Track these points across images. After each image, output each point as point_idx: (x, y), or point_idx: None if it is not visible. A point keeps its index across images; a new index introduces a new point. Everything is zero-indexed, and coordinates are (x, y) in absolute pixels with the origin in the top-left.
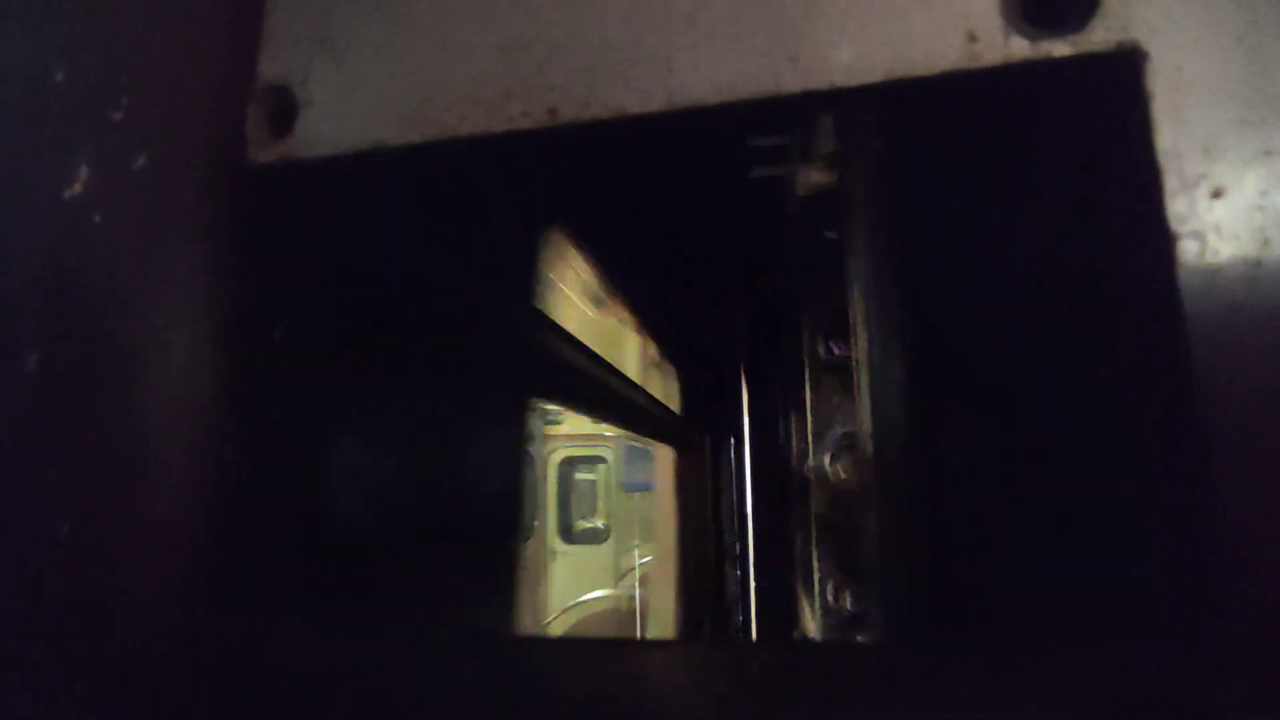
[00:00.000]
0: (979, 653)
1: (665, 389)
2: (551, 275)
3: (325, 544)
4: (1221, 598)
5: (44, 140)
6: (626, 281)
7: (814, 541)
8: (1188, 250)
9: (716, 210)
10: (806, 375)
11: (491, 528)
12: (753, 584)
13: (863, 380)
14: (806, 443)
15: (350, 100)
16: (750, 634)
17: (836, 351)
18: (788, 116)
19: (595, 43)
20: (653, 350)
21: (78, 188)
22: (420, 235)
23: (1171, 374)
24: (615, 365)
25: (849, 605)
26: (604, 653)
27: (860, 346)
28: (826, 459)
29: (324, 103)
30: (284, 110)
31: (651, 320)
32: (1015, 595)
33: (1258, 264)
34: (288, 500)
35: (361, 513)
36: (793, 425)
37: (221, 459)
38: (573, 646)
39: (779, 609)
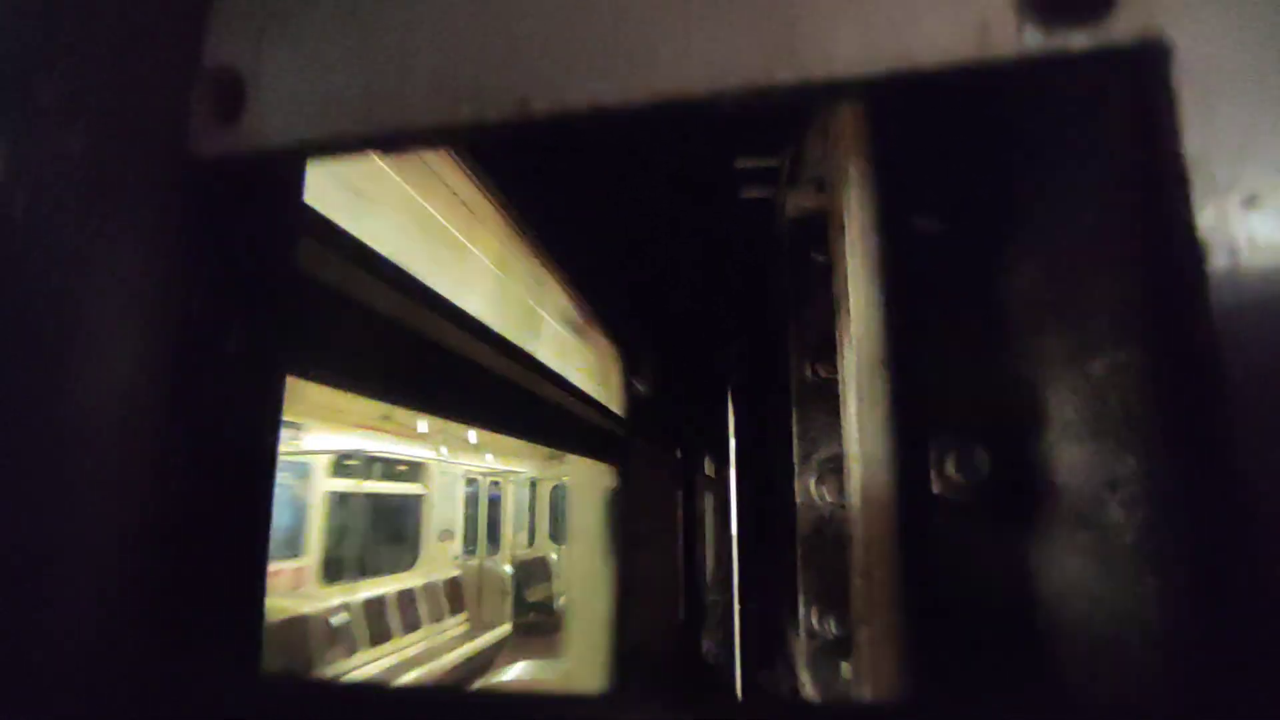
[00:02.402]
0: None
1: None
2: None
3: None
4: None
5: None
6: (609, 307)
7: (799, 565)
8: (1218, 265)
9: (705, 233)
10: (794, 398)
11: None
12: (736, 608)
13: (849, 402)
14: (793, 465)
15: (305, 86)
16: (734, 657)
17: (824, 374)
18: (782, 113)
19: (573, 30)
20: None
21: None
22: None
23: (1204, 411)
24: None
25: (833, 629)
26: (560, 708)
27: (846, 368)
28: (812, 482)
29: (276, 88)
30: (232, 96)
31: (633, 345)
32: (1010, 625)
33: None
34: (237, 525)
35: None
36: (778, 448)
37: (164, 475)
38: (521, 701)
39: (764, 633)
